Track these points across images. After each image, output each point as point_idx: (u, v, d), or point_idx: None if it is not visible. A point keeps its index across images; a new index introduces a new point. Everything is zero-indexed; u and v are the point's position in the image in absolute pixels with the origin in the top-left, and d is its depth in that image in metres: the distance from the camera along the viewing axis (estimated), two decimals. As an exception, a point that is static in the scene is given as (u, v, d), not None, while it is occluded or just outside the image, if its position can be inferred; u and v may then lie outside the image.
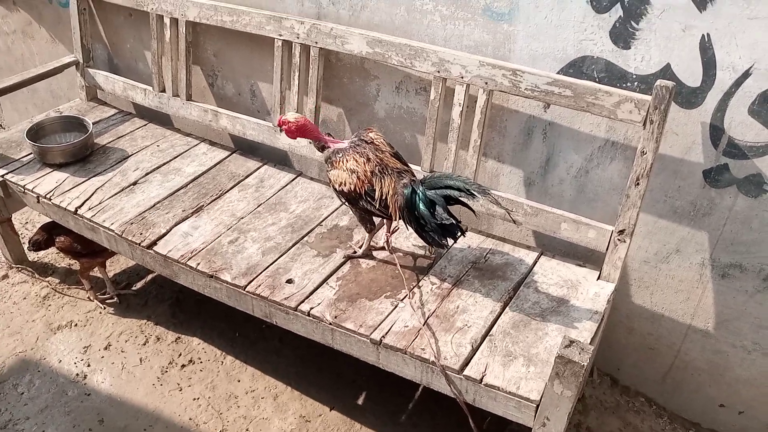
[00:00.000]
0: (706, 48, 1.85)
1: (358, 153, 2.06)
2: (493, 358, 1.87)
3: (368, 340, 1.97)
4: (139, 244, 2.37)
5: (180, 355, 2.73)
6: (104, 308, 2.95)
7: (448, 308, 2.06)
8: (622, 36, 1.95)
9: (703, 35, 1.84)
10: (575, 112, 2.12)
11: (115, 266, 3.17)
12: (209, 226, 2.46)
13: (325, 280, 2.19)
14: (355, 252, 2.29)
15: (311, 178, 2.75)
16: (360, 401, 2.55)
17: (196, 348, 2.76)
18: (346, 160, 2.07)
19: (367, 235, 2.25)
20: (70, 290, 3.05)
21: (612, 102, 1.95)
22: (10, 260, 3.15)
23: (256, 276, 2.22)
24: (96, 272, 2.99)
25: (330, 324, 2.03)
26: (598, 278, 2.17)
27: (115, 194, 2.63)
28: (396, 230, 2.36)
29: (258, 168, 2.81)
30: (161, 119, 3.14)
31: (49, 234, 2.84)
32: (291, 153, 2.84)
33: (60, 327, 2.86)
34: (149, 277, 3.15)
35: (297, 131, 2.15)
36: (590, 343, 1.88)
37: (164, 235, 2.41)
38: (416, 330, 1.97)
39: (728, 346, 2.21)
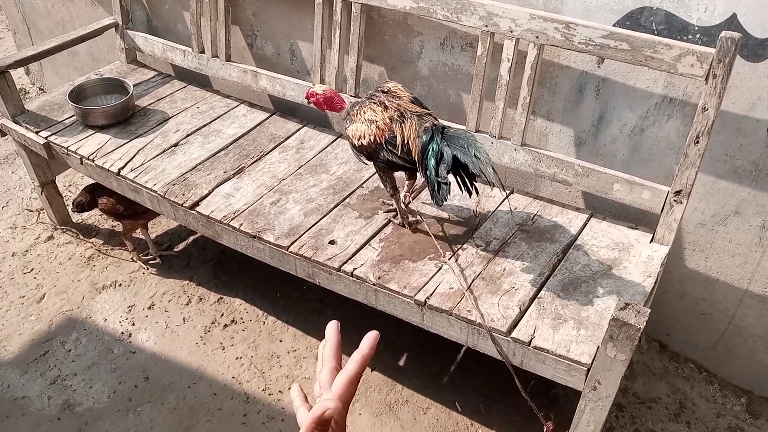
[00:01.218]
0: (776, -5, 1.73)
1: (375, 102, 1.99)
2: (542, 321, 1.83)
3: (413, 301, 1.94)
4: (182, 204, 2.37)
5: (222, 315, 2.75)
6: (147, 269, 2.98)
7: (495, 270, 2.02)
8: (684, -16, 1.84)
9: (774, -19, 1.72)
10: (631, 67, 2.02)
11: (157, 228, 3.19)
12: (251, 187, 2.44)
13: (367, 242, 2.16)
14: (394, 217, 2.25)
15: (352, 140, 2.70)
16: (401, 362, 2.54)
17: (238, 308, 2.78)
18: (364, 112, 2.00)
19: (394, 203, 2.18)
20: (113, 251, 3.09)
21: (672, 55, 1.85)
22: (55, 222, 3.20)
23: (299, 237, 2.19)
24: (139, 234, 3.02)
25: (374, 285, 2.00)
26: (651, 241, 2.09)
27: (157, 155, 2.62)
28: (414, 190, 2.26)
29: (298, 129, 2.77)
30: (200, 81, 3.12)
31: (92, 195, 2.87)
32: (331, 114, 2.79)
33: (105, 287, 2.91)
34: (191, 238, 3.17)
35: (324, 103, 2.12)
36: (644, 307, 1.81)
37: (206, 196, 2.40)
38: (461, 291, 1.94)
39: (787, 312, 2.12)
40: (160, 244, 3.11)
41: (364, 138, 2.00)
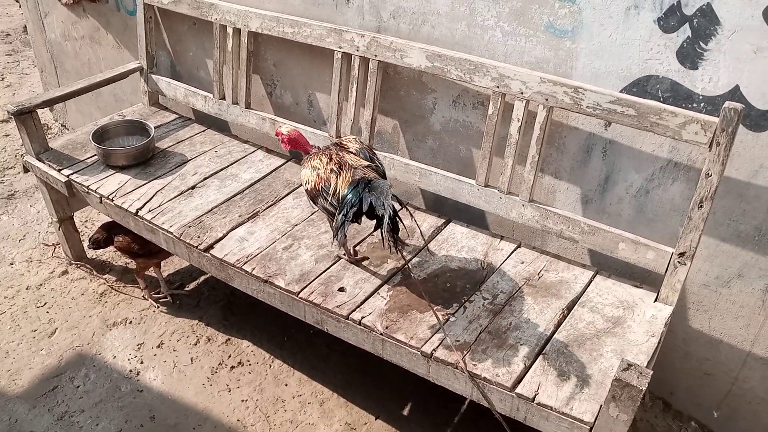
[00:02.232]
0: (778, 70, 1.80)
1: (324, 153, 2.13)
2: (546, 377, 1.85)
3: (419, 353, 1.97)
4: (197, 247, 2.43)
5: (230, 356, 2.78)
6: (158, 307, 3.03)
7: (501, 324, 2.05)
8: (689, 56, 1.92)
9: (775, 57, 1.79)
10: (637, 131, 2.09)
11: (168, 266, 3.25)
12: (264, 231, 2.50)
13: (376, 290, 2.21)
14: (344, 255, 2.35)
15: (364, 188, 2.77)
16: (406, 412, 2.56)
17: (245, 350, 2.81)
18: (312, 159, 2.15)
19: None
20: (125, 288, 3.14)
21: (677, 123, 1.92)
22: (70, 257, 3.27)
23: (309, 283, 2.24)
24: (151, 272, 3.07)
25: (381, 334, 2.04)
26: (656, 300, 2.13)
27: (175, 197, 2.70)
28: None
29: (312, 176, 2.85)
30: (219, 125, 3.22)
31: (109, 233, 2.94)
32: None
33: (115, 323, 2.95)
34: (202, 278, 3.22)
35: (289, 142, 2.27)
36: (647, 367, 1.84)
37: (221, 239, 2.46)
38: (468, 345, 1.97)
39: (790, 376, 2.14)
40: (172, 282, 3.16)
41: (308, 184, 2.14)
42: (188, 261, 2.55)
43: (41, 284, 3.17)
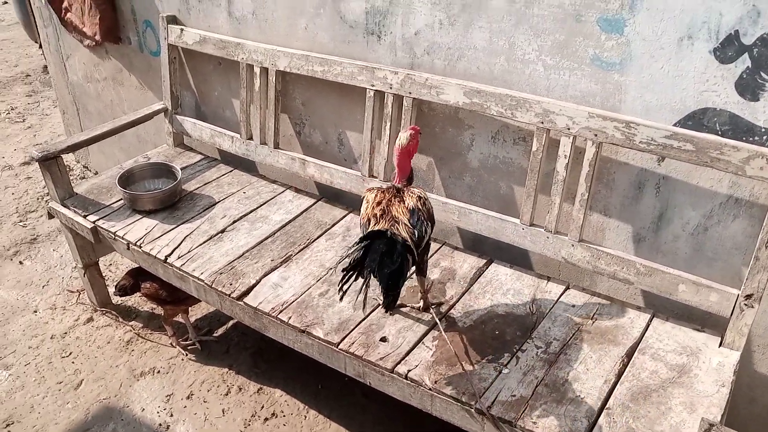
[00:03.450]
0: None
1: (381, 191, 2.03)
2: (611, 435, 1.72)
3: (473, 410, 1.85)
4: (229, 295, 2.33)
5: (262, 407, 2.66)
6: (186, 355, 2.92)
7: (558, 376, 1.92)
8: (749, 87, 1.81)
9: None
10: (693, 166, 1.98)
11: (196, 311, 3.16)
12: (298, 276, 2.40)
13: (420, 340, 2.09)
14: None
15: (399, 228, 2.67)
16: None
17: (278, 400, 2.69)
18: (371, 192, 2.06)
19: None
20: (152, 335, 3.05)
21: (740, 158, 1.80)
22: (95, 303, 3.18)
23: (349, 333, 2.13)
24: (178, 317, 2.98)
25: (430, 389, 1.91)
26: (720, 345, 2.00)
27: (204, 242, 2.61)
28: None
29: (344, 216, 2.75)
30: (246, 165, 3.15)
31: (136, 280, 2.86)
32: (377, 201, 2.79)
33: (143, 373, 2.85)
34: (230, 323, 3.12)
35: (397, 149, 2.03)
36: (720, 421, 1.71)
37: (254, 286, 2.36)
38: (525, 400, 1.84)
39: None
40: (200, 328, 3.07)
41: (361, 212, 2.06)
42: (220, 309, 2.45)
43: (66, 333, 3.08)
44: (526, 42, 2.13)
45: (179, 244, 2.60)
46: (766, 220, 1.82)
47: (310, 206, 2.83)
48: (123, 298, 3.17)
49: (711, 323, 2.09)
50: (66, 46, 3.76)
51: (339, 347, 2.09)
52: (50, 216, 2.96)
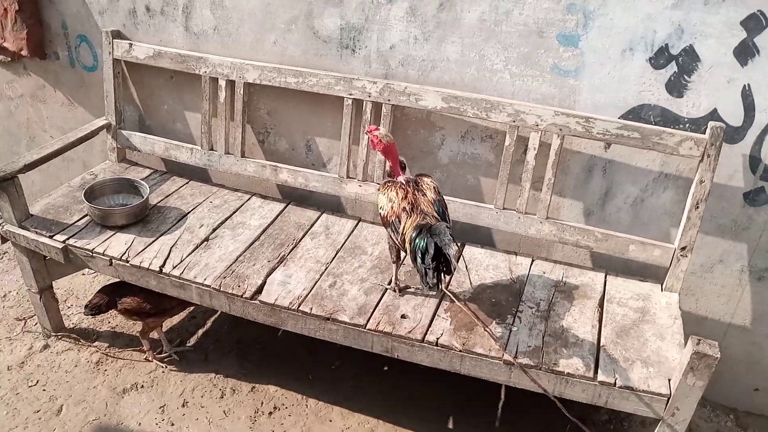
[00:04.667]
0: (746, 95, 2.30)
1: (401, 188, 2.28)
2: (616, 365, 2.17)
3: (501, 362, 2.20)
4: (241, 296, 2.45)
5: (262, 403, 2.79)
6: (165, 367, 2.93)
7: (555, 327, 2.34)
8: (676, 87, 2.37)
9: (744, 85, 2.29)
10: (633, 150, 2.51)
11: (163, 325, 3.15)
12: (301, 273, 2.58)
13: (435, 313, 2.40)
14: (389, 285, 2.50)
15: (372, 222, 2.94)
16: (450, 425, 2.74)
17: (274, 395, 2.83)
18: (390, 190, 2.30)
19: (393, 266, 2.46)
20: (122, 353, 3.01)
21: (675, 141, 2.36)
22: (49, 329, 3.04)
23: (371, 314, 2.38)
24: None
25: (460, 351, 2.23)
26: (662, 289, 2.55)
27: (193, 251, 2.67)
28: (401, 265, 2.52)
29: (318, 216, 2.96)
30: (200, 176, 3.21)
31: (110, 297, 2.81)
32: (345, 200, 3.04)
33: (125, 390, 2.82)
34: (200, 332, 3.17)
35: (384, 148, 2.30)
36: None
37: (262, 285, 2.50)
38: (539, 348, 2.23)
39: (763, 337, 2.66)
40: (171, 340, 3.07)
41: (382, 210, 2.32)
42: (228, 311, 2.54)
43: (23, 362, 2.93)
44: (494, 54, 2.53)
45: (168, 255, 2.64)
46: (693, 188, 2.39)
47: (282, 210, 2.99)
48: (87, 319, 3.07)
49: (648, 274, 2.64)
50: (-38, 62, 3.49)
51: (367, 328, 2.33)
52: (3, 240, 2.80)
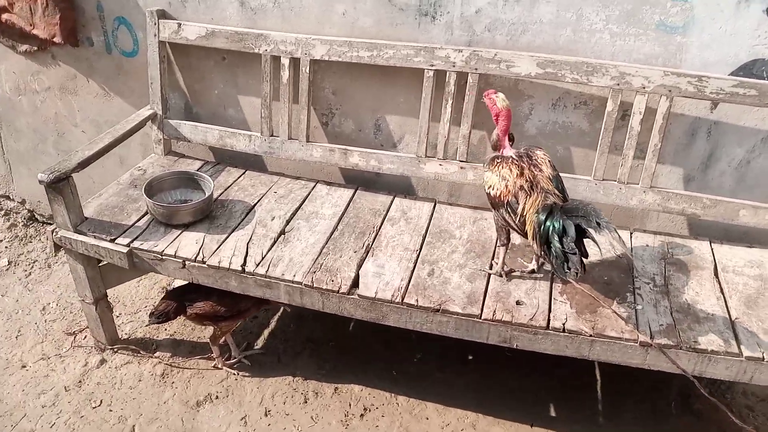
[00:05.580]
0: None
1: (515, 164, 2.11)
2: (756, 338, 2.03)
3: (636, 344, 2.04)
4: (337, 291, 2.25)
5: (350, 405, 2.60)
6: (237, 373, 2.72)
7: (680, 302, 2.19)
8: (793, 39, 2.22)
9: None
10: (743, 109, 2.36)
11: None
12: (393, 262, 2.39)
13: (551, 297, 2.23)
14: (492, 270, 2.32)
15: (448, 204, 2.75)
16: (552, 413, 2.59)
17: (361, 395, 2.64)
18: (502, 167, 2.13)
19: (501, 249, 2.29)
20: (187, 362, 2.78)
21: (795, 96, 2.21)
22: (104, 342, 2.80)
23: (483, 303, 2.20)
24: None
25: (591, 336, 2.07)
26: (774, 255, 2.42)
27: (271, 246, 2.46)
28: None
29: (392, 201, 2.76)
30: (254, 165, 2.98)
31: (179, 302, 2.59)
32: (417, 181, 2.85)
33: (199, 403, 2.60)
34: (265, 332, 2.96)
35: (501, 113, 2.17)
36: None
37: (357, 278, 2.31)
38: (672, 326, 2.08)
39: None
40: (237, 344, 2.85)
41: (493, 189, 2.13)
42: (321, 309, 2.33)
43: (80, 381, 2.68)
44: (594, 13, 2.34)
45: (246, 252, 2.42)
46: (812, 146, 2.25)
47: (352, 196, 2.78)
48: (162, 326, 2.85)
49: (751, 239, 2.51)
50: (-21, 55, 3.19)
51: (482, 318, 2.15)
52: (57, 249, 2.55)
